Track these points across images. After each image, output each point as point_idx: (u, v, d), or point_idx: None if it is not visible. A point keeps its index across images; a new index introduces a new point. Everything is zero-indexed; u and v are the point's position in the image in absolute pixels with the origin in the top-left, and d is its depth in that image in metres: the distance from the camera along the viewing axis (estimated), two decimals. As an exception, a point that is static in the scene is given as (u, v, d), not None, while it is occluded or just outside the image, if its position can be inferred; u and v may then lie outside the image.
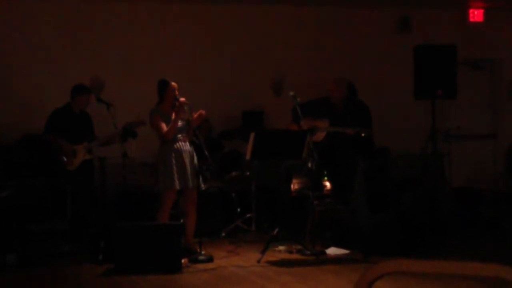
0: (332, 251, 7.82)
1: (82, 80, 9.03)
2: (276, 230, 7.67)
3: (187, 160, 7.57)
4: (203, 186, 8.63)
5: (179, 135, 7.61)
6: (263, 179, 9.66)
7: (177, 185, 7.51)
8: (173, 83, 7.65)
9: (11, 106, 9.86)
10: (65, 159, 8.34)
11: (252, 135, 7.48)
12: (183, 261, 7.12)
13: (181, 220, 7.87)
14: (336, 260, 7.46)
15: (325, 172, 8.52)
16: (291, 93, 7.97)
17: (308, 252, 7.60)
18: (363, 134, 8.24)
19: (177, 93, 7.62)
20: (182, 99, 7.55)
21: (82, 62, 10.15)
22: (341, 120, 8.43)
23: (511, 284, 2.32)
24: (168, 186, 7.50)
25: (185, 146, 7.64)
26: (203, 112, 7.69)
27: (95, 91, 9.64)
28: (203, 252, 7.46)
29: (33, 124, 9.36)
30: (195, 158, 7.72)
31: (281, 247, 8.03)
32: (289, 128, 8.63)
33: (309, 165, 7.92)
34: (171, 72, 8.21)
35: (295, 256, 7.72)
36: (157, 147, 7.73)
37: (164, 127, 7.53)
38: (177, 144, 7.57)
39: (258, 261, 7.33)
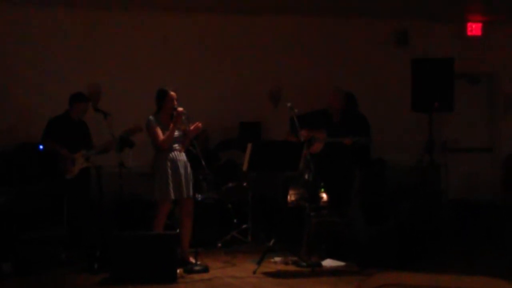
0: (328, 263, 7.81)
1: (79, 88, 9.04)
2: (272, 241, 7.66)
3: (182, 170, 7.56)
4: (198, 197, 8.64)
5: (175, 145, 7.60)
6: (260, 190, 9.67)
7: (172, 195, 7.50)
8: (172, 93, 7.64)
9: (9, 113, 9.87)
10: (64, 167, 8.34)
11: (249, 146, 7.48)
12: (178, 271, 7.11)
13: (177, 230, 7.87)
14: (332, 272, 7.45)
15: (322, 184, 8.52)
16: (289, 104, 7.98)
17: (304, 264, 7.59)
18: (361, 140, 8.24)
19: (175, 102, 7.61)
20: (180, 109, 7.54)
21: (80, 71, 10.16)
22: (337, 131, 8.44)
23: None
24: (163, 195, 7.49)
25: (181, 156, 7.63)
26: (200, 124, 7.68)
27: (92, 100, 9.65)
28: (198, 263, 7.45)
29: (31, 131, 9.37)
30: (189, 168, 7.70)
31: (277, 259, 8.02)
32: (286, 139, 8.63)
33: (306, 176, 7.92)
34: (169, 82, 8.20)
35: (291, 267, 7.71)
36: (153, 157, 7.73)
37: (161, 135, 7.52)
38: (173, 153, 7.56)
39: (254, 272, 7.32)
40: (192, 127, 7.59)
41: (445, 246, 8.90)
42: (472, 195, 11.39)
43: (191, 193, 7.68)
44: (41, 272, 7.52)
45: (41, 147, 8.87)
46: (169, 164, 7.50)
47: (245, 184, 9.37)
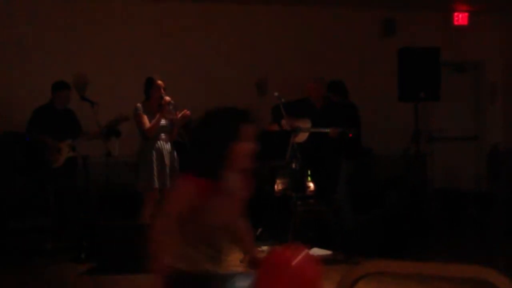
0: (314, 251, 7.84)
1: (64, 77, 8.98)
2: (259, 230, 7.68)
3: (167, 160, 7.55)
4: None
5: (162, 134, 7.59)
6: (247, 179, 9.66)
7: (156, 184, 7.48)
8: (159, 81, 7.62)
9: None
10: (50, 156, 8.29)
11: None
12: (165, 260, 7.11)
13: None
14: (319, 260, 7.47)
15: (309, 173, 8.53)
16: (276, 94, 7.99)
17: (291, 252, 7.60)
18: (350, 134, 8.23)
19: (162, 91, 7.60)
20: (167, 98, 7.54)
21: (65, 60, 10.10)
22: (320, 119, 8.43)
23: (491, 285, 2.35)
24: (148, 184, 7.48)
25: (166, 145, 7.63)
26: (188, 112, 7.67)
27: (78, 89, 9.60)
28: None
29: (14, 121, 9.32)
30: (176, 159, 7.69)
31: (264, 247, 8.03)
32: (269, 128, 8.64)
33: (293, 165, 7.93)
34: (155, 71, 8.19)
35: (278, 256, 7.71)
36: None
37: (147, 122, 7.51)
38: (159, 143, 7.55)
39: (241, 261, 7.34)
40: (179, 115, 7.58)
41: (430, 234, 8.95)
42: (457, 184, 11.45)
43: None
44: (27, 262, 7.51)
45: (27, 139, 8.83)
46: (154, 153, 7.50)
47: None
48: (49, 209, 8.35)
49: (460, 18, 11.83)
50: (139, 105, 7.58)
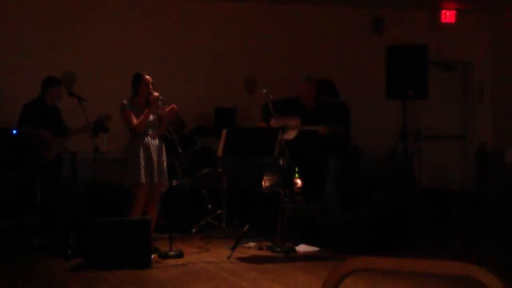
0: (301, 248, 7.85)
1: (54, 72, 8.95)
2: (247, 226, 7.69)
3: (154, 156, 7.51)
4: (174, 183, 8.60)
5: (149, 130, 7.55)
6: (235, 176, 9.67)
7: (143, 180, 7.44)
8: (147, 77, 7.58)
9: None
10: (42, 151, 8.24)
11: (224, 132, 7.48)
12: (153, 256, 7.11)
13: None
14: (306, 257, 7.49)
15: (296, 170, 8.54)
16: (264, 91, 7.98)
17: (278, 249, 7.62)
18: (337, 131, 8.24)
19: (151, 87, 7.56)
20: (156, 93, 7.50)
21: (54, 56, 10.07)
22: (311, 118, 8.44)
23: (479, 282, 2.35)
24: (136, 181, 7.44)
25: (154, 141, 7.58)
26: (175, 106, 7.64)
27: (67, 85, 9.56)
28: (173, 248, 7.45)
29: (3, 116, 9.28)
30: (164, 155, 7.65)
31: (251, 244, 8.04)
32: (258, 125, 8.63)
33: (281, 162, 7.94)
34: (144, 67, 8.16)
35: (265, 252, 7.74)
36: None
37: (134, 118, 7.46)
38: (147, 139, 7.51)
39: (228, 258, 7.34)
40: (167, 109, 7.54)
41: (418, 233, 8.97)
42: (444, 183, 11.49)
43: (162, 179, 7.62)
44: (14, 259, 7.48)
45: (14, 132, 8.78)
46: (142, 149, 7.45)
47: (220, 170, 9.38)
48: (36, 206, 8.31)
49: (448, 16, 11.85)
50: (125, 101, 7.53)
